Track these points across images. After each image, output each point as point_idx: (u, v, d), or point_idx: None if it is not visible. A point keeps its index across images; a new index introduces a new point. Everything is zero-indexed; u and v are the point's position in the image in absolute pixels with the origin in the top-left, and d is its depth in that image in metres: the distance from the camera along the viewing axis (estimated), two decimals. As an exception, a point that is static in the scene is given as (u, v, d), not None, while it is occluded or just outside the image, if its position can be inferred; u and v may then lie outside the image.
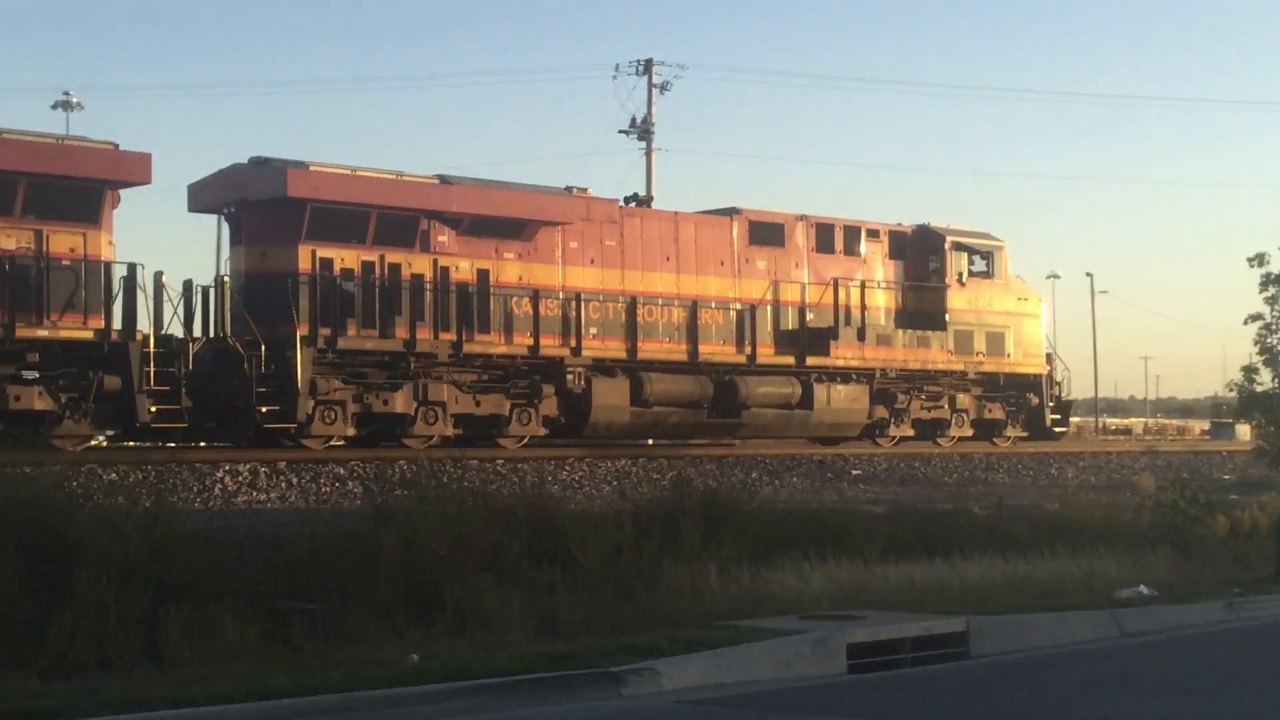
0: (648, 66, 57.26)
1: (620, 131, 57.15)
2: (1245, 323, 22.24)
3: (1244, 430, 39.53)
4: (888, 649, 13.98)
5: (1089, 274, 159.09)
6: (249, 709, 10.61)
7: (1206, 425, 74.05)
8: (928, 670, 13.78)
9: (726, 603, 15.95)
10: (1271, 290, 21.76)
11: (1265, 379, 22.83)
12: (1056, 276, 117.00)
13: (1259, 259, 21.83)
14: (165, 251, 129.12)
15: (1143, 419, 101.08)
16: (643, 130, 56.98)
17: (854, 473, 29.42)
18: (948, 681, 13.34)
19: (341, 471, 23.92)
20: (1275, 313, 21.89)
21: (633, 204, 33.32)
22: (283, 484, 22.85)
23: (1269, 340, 21.99)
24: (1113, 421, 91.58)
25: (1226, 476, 33.32)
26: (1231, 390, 24.37)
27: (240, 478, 22.74)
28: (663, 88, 57.71)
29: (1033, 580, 18.54)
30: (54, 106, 57.19)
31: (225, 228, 29.32)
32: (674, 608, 15.69)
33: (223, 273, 28.01)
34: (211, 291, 27.26)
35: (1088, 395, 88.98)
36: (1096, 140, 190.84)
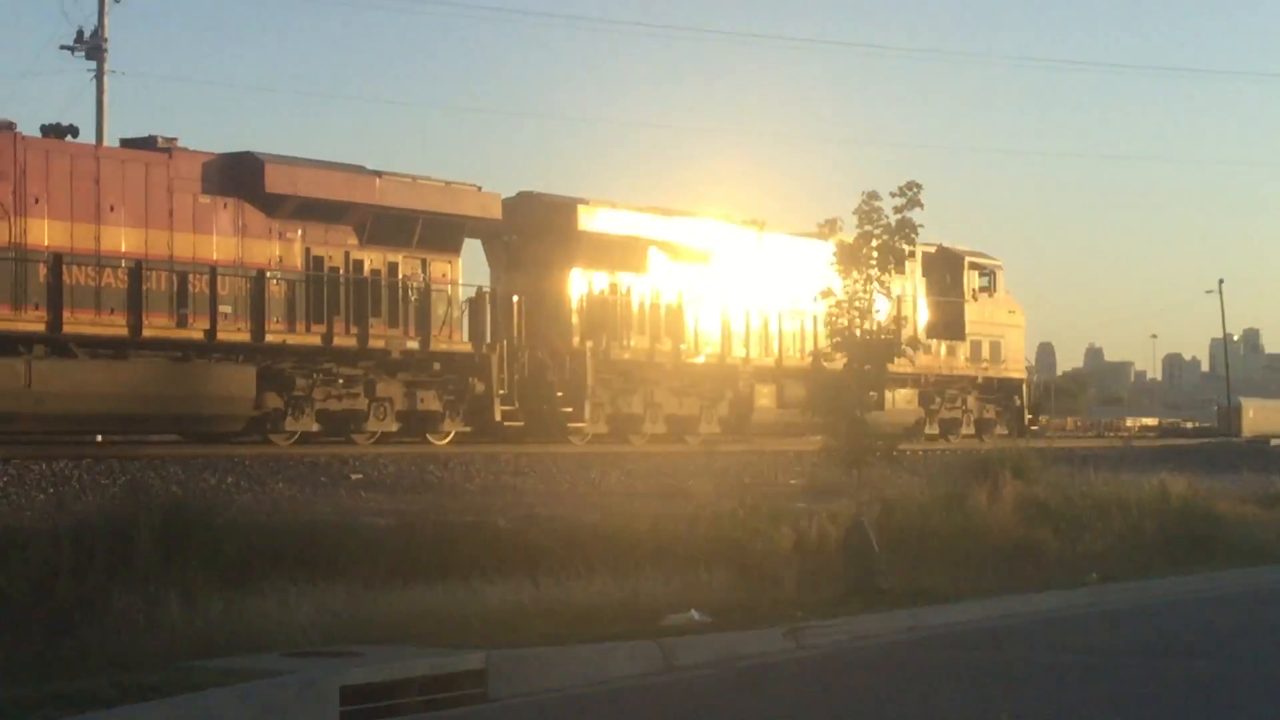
0: (99, -35, 55.70)
1: (63, 48, 55.40)
2: (814, 300, 22.97)
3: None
4: (391, 692, 14.03)
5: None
6: None
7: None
8: (438, 716, 13.97)
9: (192, 638, 15.79)
10: (844, 263, 22.61)
11: (839, 367, 23.69)
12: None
13: (830, 225, 22.69)
14: None
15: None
16: (92, 47, 55.32)
17: (354, 477, 29.46)
18: (460, 730, 13.52)
19: None
20: (849, 287, 22.73)
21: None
22: None
23: (841, 321, 22.83)
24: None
25: (794, 481, 34.75)
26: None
27: None
28: (119, -7, 56.28)
29: (568, 605, 18.97)
30: None
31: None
32: (124, 645, 15.46)
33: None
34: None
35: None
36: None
